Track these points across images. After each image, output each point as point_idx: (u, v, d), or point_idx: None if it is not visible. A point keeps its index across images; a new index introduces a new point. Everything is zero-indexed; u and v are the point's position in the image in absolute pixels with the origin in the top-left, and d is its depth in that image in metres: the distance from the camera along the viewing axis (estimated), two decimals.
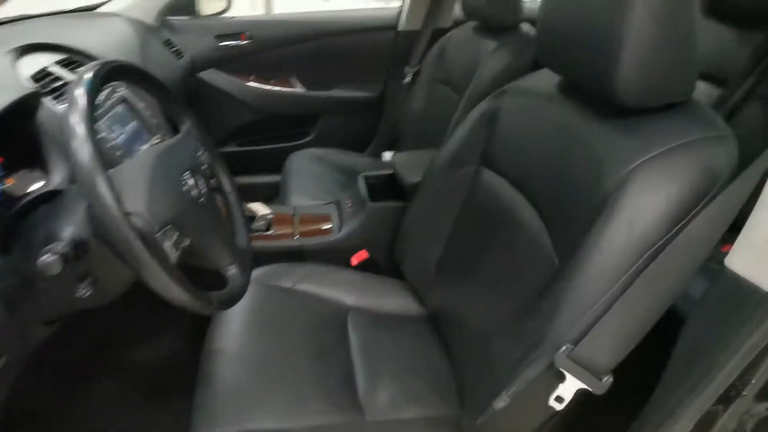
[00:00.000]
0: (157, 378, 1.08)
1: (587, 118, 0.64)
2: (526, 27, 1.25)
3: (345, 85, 1.74)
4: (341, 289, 0.97)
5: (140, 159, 0.59)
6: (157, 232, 0.52)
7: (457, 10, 1.64)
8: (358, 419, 0.72)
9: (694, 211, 0.49)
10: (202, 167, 0.67)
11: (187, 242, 0.56)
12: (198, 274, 0.60)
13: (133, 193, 0.53)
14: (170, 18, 1.48)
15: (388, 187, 1.15)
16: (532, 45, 1.21)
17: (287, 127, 1.75)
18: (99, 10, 1.35)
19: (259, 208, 1.12)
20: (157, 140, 0.84)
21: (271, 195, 1.68)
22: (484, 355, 0.70)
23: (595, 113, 0.63)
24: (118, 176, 0.53)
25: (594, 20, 0.54)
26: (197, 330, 0.86)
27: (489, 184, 0.82)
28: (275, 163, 1.62)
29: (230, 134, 1.70)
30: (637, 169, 0.52)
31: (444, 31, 1.53)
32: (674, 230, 0.50)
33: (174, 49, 1.38)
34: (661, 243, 0.50)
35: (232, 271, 0.67)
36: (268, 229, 1.08)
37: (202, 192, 0.63)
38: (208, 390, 0.73)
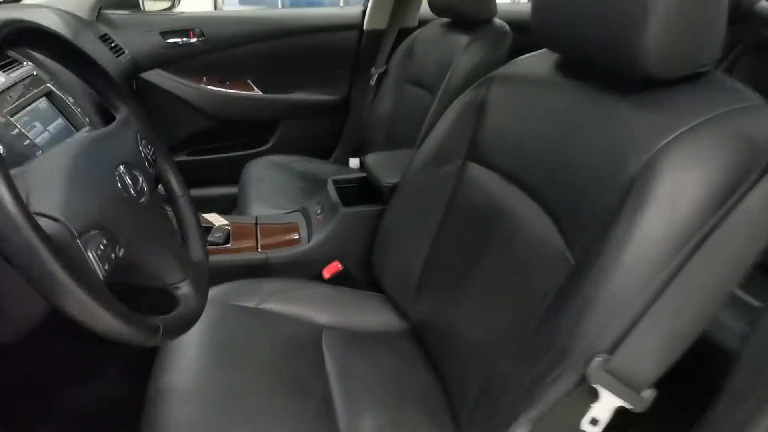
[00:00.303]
0: (96, 425, 0.91)
1: (596, 99, 0.57)
2: (498, 21, 1.21)
3: (307, 88, 1.63)
4: (313, 306, 0.86)
5: (57, 151, 0.46)
6: (77, 238, 0.39)
7: (424, 9, 1.59)
8: None
9: (743, 188, 0.42)
10: (145, 162, 0.55)
11: (120, 252, 0.43)
12: (139, 294, 0.47)
13: (44, 191, 0.40)
14: (108, 12, 1.33)
15: (360, 192, 1.05)
16: (509, 36, 1.20)
17: (243, 133, 1.61)
18: (25, 1, 1.19)
19: (215, 219, 0.99)
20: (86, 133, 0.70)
21: (227, 208, 1.54)
22: (487, 374, 0.60)
23: (607, 92, 0.56)
24: (26, 174, 0.41)
25: None
26: (143, 364, 0.72)
27: (477, 179, 0.74)
28: (231, 174, 1.49)
29: (179, 142, 1.54)
30: (667, 147, 0.45)
31: (410, 31, 1.47)
32: (722, 211, 0.43)
33: (112, 45, 1.23)
34: (707, 227, 0.43)
35: (183, 289, 0.54)
36: (226, 242, 0.94)
37: (143, 191, 0.50)
38: None
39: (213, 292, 0.83)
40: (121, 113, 0.58)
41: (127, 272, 0.46)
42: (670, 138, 0.46)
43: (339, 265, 0.97)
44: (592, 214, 0.52)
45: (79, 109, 0.77)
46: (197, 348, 0.72)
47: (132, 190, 0.48)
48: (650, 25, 0.45)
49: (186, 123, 1.51)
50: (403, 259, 0.87)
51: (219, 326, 0.77)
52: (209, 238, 0.93)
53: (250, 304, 0.83)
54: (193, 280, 0.55)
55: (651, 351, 0.44)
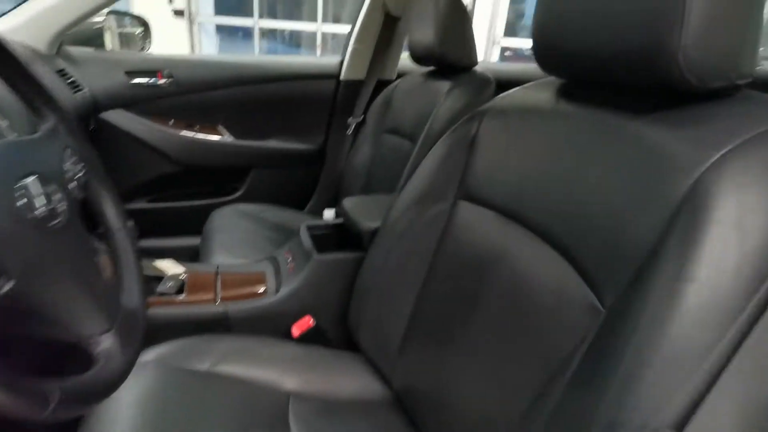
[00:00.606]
0: None
1: (612, 122, 0.50)
2: (480, 69, 1.20)
3: (281, 136, 1.57)
4: (279, 369, 0.72)
5: None
6: None
7: (402, 63, 1.59)
8: None
9: None
10: (69, 182, 0.44)
11: (7, 287, 0.31)
12: (38, 348, 0.34)
13: None
14: (70, 48, 1.25)
15: (337, 240, 0.95)
16: (492, 83, 1.18)
17: (211, 180, 1.51)
18: None
19: (170, 266, 0.86)
20: None
21: (189, 260, 1.40)
22: None
23: (626, 112, 0.50)
24: None
25: None
26: None
27: (471, 220, 0.66)
28: (195, 224, 1.36)
29: (139, 187, 1.42)
30: (720, 163, 0.38)
31: (389, 82, 1.45)
32: None
33: (70, 80, 1.14)
34: None
35: (105, 343, 0.41)
36: (179, 293, 0.81)
37: (57, 213, 0.39)
38: None
39: (156, 351, 0.68)
40: (48, 122, 0.47)
41: (22, 316, 0.33)
42: (723, 153, 0.38)
43: (311, 321, 0.84)
44: (624, 251, 0.43)
45: (6, 122, 0.66)
46: (131, 422, 0.57)
47: (39, 210, 0.37)
48: (689, 29, 0.40)
49: (148, 167, 1.40)
50: (384, 313, 0.76)
51: (161, 394, 0.62)
52: (159, 288, 0.79)
53: (203, 366, 0.68)
54: (121, 333, 0.42)
55: (732, 422, 0.33)
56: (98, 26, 1.33)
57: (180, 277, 0.83)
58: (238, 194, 1.54)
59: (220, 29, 6.25)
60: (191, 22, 5.71)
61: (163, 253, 1.49)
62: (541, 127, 0.59)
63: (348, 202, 0.96)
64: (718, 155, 0.38)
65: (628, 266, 0.42)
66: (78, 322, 0.39)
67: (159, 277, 0.83)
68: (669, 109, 0.46)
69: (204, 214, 1.36)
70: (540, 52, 0.57)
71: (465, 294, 0.63)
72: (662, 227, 0.39)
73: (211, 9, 5.98)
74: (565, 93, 0.60)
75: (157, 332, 0.73)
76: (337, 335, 0.87)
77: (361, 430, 0.67)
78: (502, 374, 0.54)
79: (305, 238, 0.93)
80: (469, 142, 0.69)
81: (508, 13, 5.31)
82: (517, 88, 0.69)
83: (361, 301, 0.81)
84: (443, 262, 0.69)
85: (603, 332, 0.42)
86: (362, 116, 1.52)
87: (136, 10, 5.60)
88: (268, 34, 6.50)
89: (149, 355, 0.67)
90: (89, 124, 1.24)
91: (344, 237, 0.94)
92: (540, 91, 0.64)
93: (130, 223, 0.73)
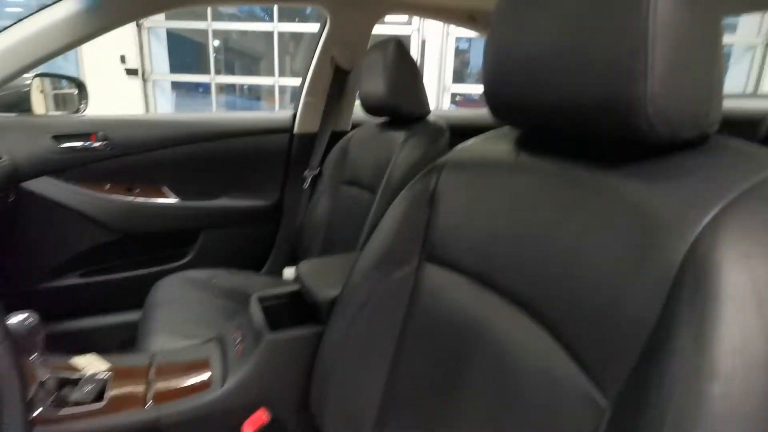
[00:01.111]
0: None
1: (579, 177, 0.45)
2: (433, 118, 1.17)
3: (234, 194, 1.47)
4: None
5: None
6: None
7: (356, 114, 1.56)
8: None
9: None
10: None
11: None
12: None
13: None
14: None
15: (294, 310, 0.84)
16: (446, 131, 1.15)
17: (156, 247, 1.38)
18: None
19: (90, 363, 0.72)
20: None
21: (128, 341, 1.24)
22: None
23: (593, 167, 0.44)
24: None
25: (596, 40, 0.39)
26: None
27: (440, 284, 0.58)
28: (137, 296, 1.22)
29: (70, 261, 1.27)
30: (715, 224, 0.33)
31: (344, 133, 1.40)
32: None
33: None
34: None
35: None
36: (98, 399, 0.66)
37: None
38: None
39: None
40: None
41: None
42: (714, 213, 0.33)
43: (266, 415, 0.71)
44: (620, 329, 0.36)
45: None
46: None
47: None
48: (654, 78, 0.36)
49: (80, 238, 1.26)
50: (352, 396, 0.65)
51: None
52: (73, 396, 0.65)
53: None
54: None
55: None
56: (26, 89, 1.22)
57: (101, 377, 0.69)
58: (186, 259, 1.41)
59: (178, 85, 6.21)
60: (145, 80, 5.65)
61: (99, 335, 1.33)
62: (504, 181, 0.53)
63: (304, 267, 0.86)
64: (709, 216, 0.33)
65: (629, 348, 0.35)
66: None
67: (71, 380, 0.68)
68: (642, 161, 0.41)
69: (148, 284, 1.22)
70: (491, 103, 0.52)
71: (444, 372, 0.54)
72: (662, 301, 0.33)
73: (166, 67, 5.95)
74: (526, 143, 0.55)
75: None
76: (299, 425, 0.75)
77: None
78: None
79: (256, 312, 0.81)
80: (429, 197, 0.62)
81: (455, 62, 5.60)
82: (474, 138, 0.64)
83: (324, 382, 0.70)
84: (414, 335, 0.60)
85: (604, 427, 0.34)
86: (318, 169, 1.45)
87: (87, 70, 5.49)
88: (227, 88, 6.52)
89: None
90: (8, 196, 1.11)
91: (301, 306, 0.83)
92: (498, 142, 0.59)
93: (31, 320, 0.61)
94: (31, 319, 0.57)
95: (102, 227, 1.27)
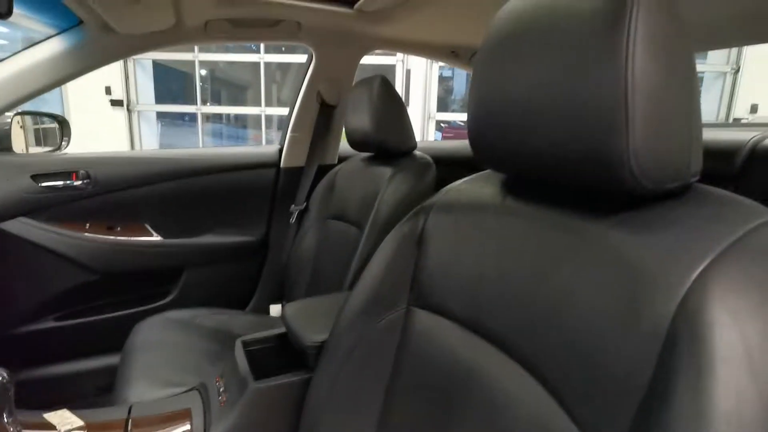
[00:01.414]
0: None
1: (566, 225, 0.45)
2: (419, 153, 1.18)
3: (218, 230, 1.44)
4: None
5: None
6: None
7: (343, 147, 1.56)
8: None
9: None
10: None
11: None
12: None
13: None
14: None
15: (279, 354, 0.82)
16: (432, 165, 1.16)
17: (136, 287, 1.34)
18: None
19: (63, 420, 0.68)
20: None
21: (107, 386, 1.18)
22: None
23: (585, 212, 0.44)
24: None
25: (576, 94, 0.39)
26: None
27: (429, 330, 0.57)
28: (117, 339, 1.17)
29: (46, 304, 1.22)
30: (703, 281, 0.33)
31: (330, 167, 1.40)
32: None
33: None
34: None
35: None
36: None
37: None
38: None
39: None
40: None
41: None
42: (702, 268, 0.33)
43: None
44: (615, 385, 0.35)
45: None
46: None
47: None
48: (635, 132, 0.36)
49: (57, 279, 1.21)
50: None
51: None
52: None
53: None
54: None
55: None
56: (5, 127, 1.20)
57: None
58: (169, 299, 1.37)
59: (164, 115, 6.21)
60: (129, 111, 5.64)
61: (74, 382, 1.27)
62: (491, 223, 0.53)
63: (290, 310, 0.84)
64: (698, 271, 0.34)
65: (623, 404, 0.34)
66: None
67: None
68: (628, 211, 0.42)
69: (128, 325, 1.17)
70: (477, 148, 0.52)
71: (434, 421, 0.52)
72: (656, 355, 0.33)
73: (151, 97, 5.96)
74: (512, 187, 0.55)
75: None
76: None
77: None
78: None
79: (240, 359, 0.78)
80: (417, 239, 0.62)
81: (439, 90, 5.74)
82: (463, 180, 0.64)
83: None
84: (403, 382, 0.58)
85: None
86: (305, 203, 1.44)
87: (72, 101, 5.47)
88: (213, 117, 6.53)
89: None
90: None
91: (288, 349, 0.80)
92: (486, 184, 0.59)
93: (2, 375, 0.57)
94: (0, 377, 0.53)
95: (80, 267, 1.23)
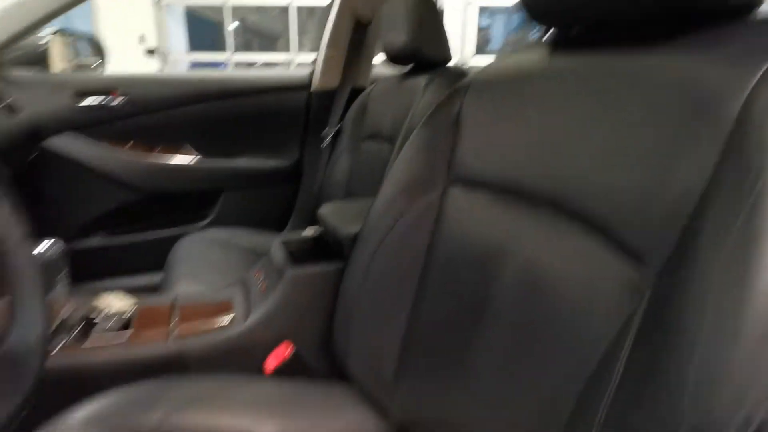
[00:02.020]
0: None
1: (623, 62, 0.42)
2: (455, 64, 1.13)
3: (253, 153, 1.45)
4: (252, 413, 0.59)
5: None
6: None
7: (375, 71, 1.52)
8: None
9: None
10: None
11: None
12: None
13: None
14: (8, 70, 1.13)
15: (315, 253, 0.83)
16: (469, 73, 1.11)
17: (177, 207, 1.38)
18: None
19: (114, 302, 0.72)
20: None
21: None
22: None
23: (636, 48, 0.42)
24: None
25: None
26: None
27: (467, 209, 0.55)
28: (160, 257, 1.22)
29: (93, 222, 1.28)
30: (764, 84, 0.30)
31: (363, 89, 1.37)
32: None
33: (3, 105, 1.01)
34: None
35: None
36: (122, 333, 0.66)
37: None
38: None
39: (87, 408, 0.54)
40: None
41: None
42: (763, 70, 0.31)
43: (289, 349, 0.70)
44: (663, 207, 0.34)
45: None
46: None
47: None
48: None
49: (103, 199, 1.26)
50: (374, 332, 0.63)
51: None
52: (96, 329, 0.65)
53: (150, 419, 0.54)
54: None
55: None
56: (43, 48, 1.22)
57: (125, 315, 0.69)
58: (207, 221, 1.41)
59: (197, 64, 6.23)
60: (163, 60, 5.67)
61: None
62: (535, 89, 0.51)
63: (326, 209, 0.84)
64: (758, 75, 0.31)
65: (672, 225, 0.33)
66: None
67: (100, 314, 0.68)
68: (685, 35, 0.39)
69: (169, 245, 1.22)
70: (530, 3, 0.49)
71: (469, 300, 0.52)
72: (709, 173, 0.31)
73: (184, 46, 5.97)
74: (556, 48, 0.52)
75: (88, 384, 0.59)
76: (321, 364, 0.74)
77: None
78: (524, 392, 0.42)
79: (278, 252, 0.80)
80: (453, 121, 0.60)
81: (477, 39, 5.44)
82: (497, 57, 0.61)
83: (346, 319, 0.68)
84: (438, 263, 0.58)
85: (649, 314, 0.32)
86: (338, 126, 1.42)
87: (107, 49, 5.55)
88: (245, 65, 6.50)
89: (77, 414, 0.53)
90: (30, 153, 1.11)
91: (324, 251, 0.81)
92: (526, 55, 0.56)
93: (57, 247, 0.60)
94: (56, 246, 0.56)
95: (124, 187, 1.27)
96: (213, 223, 1.41)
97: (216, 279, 1.00)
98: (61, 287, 0.64)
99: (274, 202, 1.50)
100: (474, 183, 0.55)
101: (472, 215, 0.54)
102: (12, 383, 0.32)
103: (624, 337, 0.34)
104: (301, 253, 0.80)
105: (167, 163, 1.33)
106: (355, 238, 0.71)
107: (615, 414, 0.33)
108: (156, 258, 1.29)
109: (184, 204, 1.39)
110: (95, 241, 1.29)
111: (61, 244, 0.60)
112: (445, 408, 0.51)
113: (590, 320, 0.38)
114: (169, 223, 1.37)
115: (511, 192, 0.50)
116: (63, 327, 0.63)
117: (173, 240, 1.26)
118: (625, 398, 0.32)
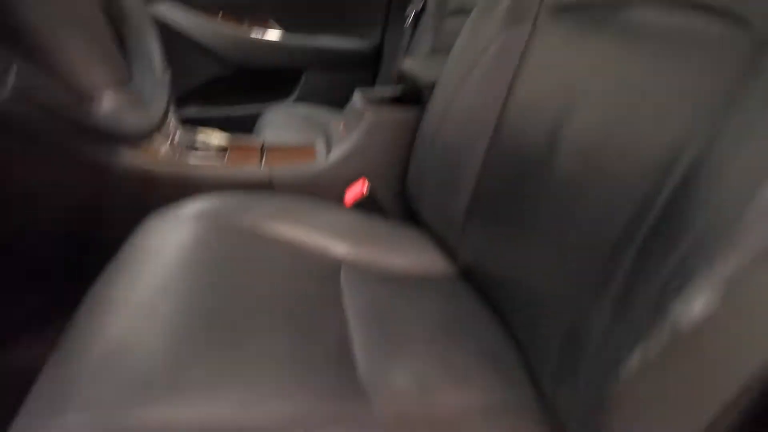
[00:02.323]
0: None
1: None
2: None
3: (335, 32, 1.45)
4: (330, 234, 0.63)
5: None
6: None
7: None
8: (361, 410, 0.38)
9: None
10: None
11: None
12: None
13: None
14: None
15: (394, 102, 0.83)
16: None
17: (263, 83, 1.44)
18: None
19: (212, 135, 0.79)
20: None
21: None
22: (574, 323, 0.37)
23: None
24: None
25: None
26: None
27: (559, 45, 0.52)
28: (247, 130, 1.30)
29: (190, 93, 1.37)
30: None
31: None
32: None
33: None
34: None
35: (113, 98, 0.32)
36: (219, 158, 0.74)
37: None
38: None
39: (192, 206, 0.62)
40: None
41: None
42: None
43: (366, 186, 0.74)
44: None
45: None
46: (164, 272, 0.50)
47: None
48: None
49: (198, 70, 1.35)
50: (447, 177, 0.64)
51: (199, 246, 0.55)
52: (197, 151, 0.73)
53: (245, 223, 0.62)
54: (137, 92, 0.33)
55: None
56: None
57: (222, 143, 0.76)
58: (291, 98, 1.46)
59: None
60: None
61: None
62: None
63: (407, 62, 0.83)
64: None
65: None
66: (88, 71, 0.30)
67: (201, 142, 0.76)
68: None
69: (256, 121, 1.29)
70: None
71: (537, 150, 0.49)
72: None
73: None
74: None
75: (192, 188, 0.67)
76: (395, 206, 0.77)
77: (422, 297, 0.58)
78: (570, 240, 0.42)
79: (358, 100, 0.81)
80: None
81: None
82: None
83: (421, 164, 0.70)
84: (516, 107, 0.55)
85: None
86: (422, 3, 1.35)
87: None
88: None
89: (186, 209, 0.61)
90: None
91: (404, 102, 0.81)
92: None
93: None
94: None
95: (217, 59, 1.34)
96: (295, 102, 1.47)
97: (300, 134, 1.05)
98: (171, 114, 0.71)
99: (354, 85, 1.51)
100: (566, 7, 0.50)
101: (563, 54, 0.50)
102: (156, 99, 0.37)
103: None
104: (381, 101, 0.81)
105: (256, 38, 1.37)
106: (433, 86, 0.70)
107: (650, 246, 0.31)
108: (243, 132, 1.38)
109: (268, 80, 1.44)
110: (190, 112, 1.39)
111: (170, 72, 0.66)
112: (508, 254, 0.52)
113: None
114: (256, 99, 1.44)
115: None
116: (172, 146, 0.72)
117: (258, 115, 1.32)
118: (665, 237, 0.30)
